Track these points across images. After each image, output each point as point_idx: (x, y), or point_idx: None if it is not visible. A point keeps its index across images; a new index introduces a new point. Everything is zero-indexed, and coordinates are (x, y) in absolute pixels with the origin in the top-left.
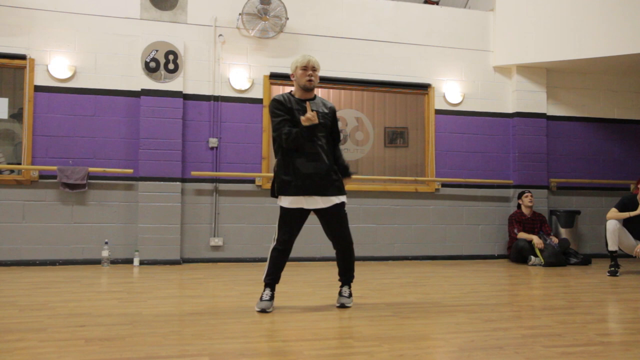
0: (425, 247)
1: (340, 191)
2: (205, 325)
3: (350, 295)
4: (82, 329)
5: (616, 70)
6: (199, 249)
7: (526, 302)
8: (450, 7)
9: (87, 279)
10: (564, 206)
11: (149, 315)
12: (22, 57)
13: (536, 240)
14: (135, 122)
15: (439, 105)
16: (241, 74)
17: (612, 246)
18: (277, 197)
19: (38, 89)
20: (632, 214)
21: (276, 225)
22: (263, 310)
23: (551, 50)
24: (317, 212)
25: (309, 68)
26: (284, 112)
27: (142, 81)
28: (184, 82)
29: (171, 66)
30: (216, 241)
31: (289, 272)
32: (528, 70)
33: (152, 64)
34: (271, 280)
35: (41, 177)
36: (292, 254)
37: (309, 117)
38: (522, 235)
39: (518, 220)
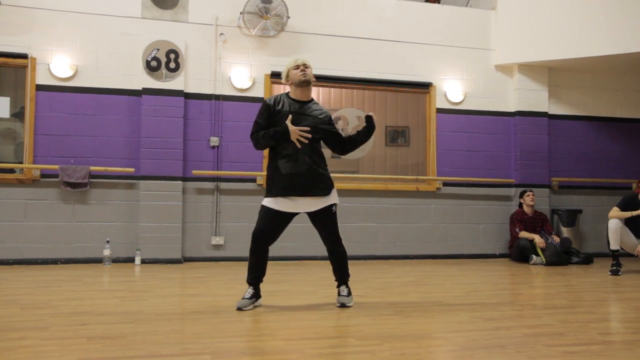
0: (426, 246)
1: (324, 191)
2: (206, 323)
3: (349, 293)
4: (84, 327)
5: (618, 68)
6: (200, 248)
7: (528, 301)
8: (451, 6)
9: (89, 277)
10: (565, 205)
11: (151, 314)
12: (24, 56)
13: (538, 239)
14: (137, 121)
15: (440, 104)
16: (242, 72)
17: (614, 245)
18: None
19: (39, 88)
20: (635, 213)
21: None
22: (238, 308)
23: (553, 49)
24: (308, 212)
25: (300, 66)
26: (265, 117)
27: (143, 80)
28: (185, 81)
29: (172, 65)
30: (217, 240)
31: (290, 270)
32: (530, 69)
33: (154, 63)
34: (251, 280)
35: (43, 176)
36: (293, 253)
37: (296, 133)
38: (523, 234)
39: (519, 219)
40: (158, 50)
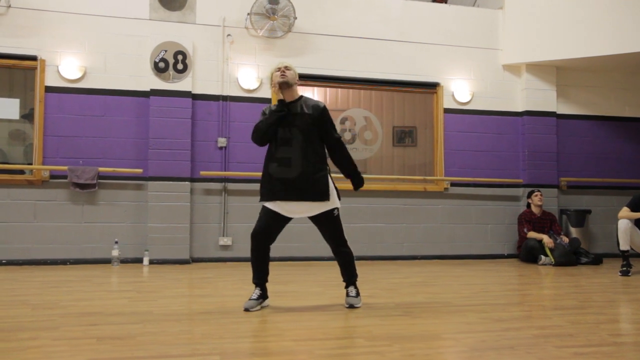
0: (434, 246)
1: (321, 196)
2: (215, 324)
3: (357, 294)
4: (93, 327)
5: (627, 67)
6: (208, 249)
7: (537, 302)
8: (458, 6)
9: (98, 278)
10: (574, 205)
11: (160, 315)
12: (33, 58)
13: (546, 239)
14: (145, 122)
15: (448, 104)
16: (250, 73)
17: (624, 246)
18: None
19: (49, 89)
20: None
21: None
22: (245, 309)
23: (561, 48)
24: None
25: (280, 69)
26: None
27: (151, 81)
28: (193, 82)
29: (180, 66)
30: (225, 240)
31: (298, 271)
32: (537, 69)
33: (161, 64)
34: (257, 280)
35: (52, 177)
36: (301, 253)
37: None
38: (532, 234)
39: (528, 220)
40: (166, 51)
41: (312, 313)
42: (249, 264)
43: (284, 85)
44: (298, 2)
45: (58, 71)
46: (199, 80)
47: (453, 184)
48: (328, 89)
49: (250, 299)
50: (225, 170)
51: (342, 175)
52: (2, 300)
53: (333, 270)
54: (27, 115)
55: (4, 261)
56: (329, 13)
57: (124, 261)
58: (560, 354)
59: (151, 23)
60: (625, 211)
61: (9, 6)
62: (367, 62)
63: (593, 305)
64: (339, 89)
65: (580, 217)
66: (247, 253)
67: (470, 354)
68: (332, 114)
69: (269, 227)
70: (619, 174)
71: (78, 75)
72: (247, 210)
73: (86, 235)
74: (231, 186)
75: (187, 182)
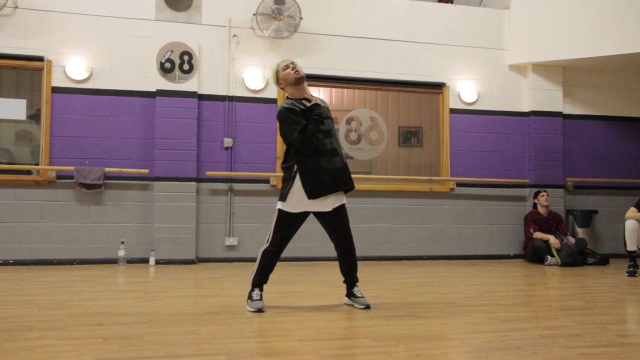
0: (440, 246)
1: (353, 184)
2: (221, 324)
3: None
4: (100, 327)
5: (633, 67)
6: (214, 249)
7: (543, 302)
8: (464, 6)
9: (104, 278)
10: (580, 206)
11: (166, 315)
12: (40, 59)
13: (553, 240)
14: (151, 123)
15: (454, 104)
16: (255, 74)
17: (631, 246)
18: (284, 201)
19: (55, 90)
20: None
21: (272, 226)
22: (259, 310)
23: (567, 48)
24: (322, 212)
25: (289, 65)
26: (298, 115)
27: (157, 82)
28: (199, 83)
29: (186, 67)
30: (231, 241)
31: (303, 271)
32: (544, 69)
33: (167, 65)
34: (259, 281)
35: (58, 177)
36: (307, 254)
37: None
38: (538, 235)
39: (534, 220)
40: (172, 52)
41: (318, 313)
42: (254, 264)
43: (301, 80)
44: (304, 3)
45: (64, 72)
46: (205, 80)
47: (459, 184)
48: (334, 89)
49: (255, 300)
50: (231, 171)
51: (352, 175)
52: (10, 300)
53: (338, 271)
54: (34, 116)
55: (11, 261)
56: (334, 13)
57: (130, 261)
58: (567, 354)
59: (157, 24)
60: (632, 211)
61: (16, 7)
62: (373, 62)
63: (600, 305)
64: (345, 89)
65: (587, 218)
66: (253, 253)
67: (477, 354)
68: (337, 114)
69: (292, 235)
70: (625, 174)
71: (84, 75)
72: (253, 211)
73: (92, 235)
74: (237, 186)
75: (193, 183)
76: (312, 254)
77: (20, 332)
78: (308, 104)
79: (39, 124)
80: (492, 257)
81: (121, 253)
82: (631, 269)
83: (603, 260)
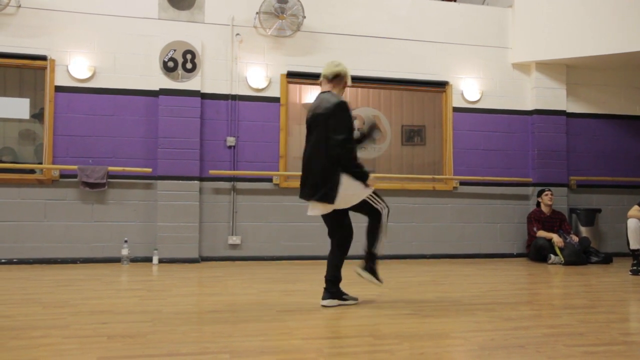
0: (443, 245)
1: None
2: (225, 323)
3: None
4: (104, 326)
5: (637, 66)
6: (217, 248)
7: (546, 300)
8: (468, 4)
9: (108, 276)
10: (584, 204)
11: (169, 313)
12: (43, 58)
13: (556, 238)
14: (154, 122)
15: (457, 102)
16: (258, 72)
17: (634, 244)
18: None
19: (58, 89)
20: None
21: (374, 198)
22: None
23: (571, 47)
24: None
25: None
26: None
27: (160, 81)
28: (202, 81)
29: (189, 65)
30: (234, 239)
31: (307, 270)
32: (547, 67)
33: (170, 64)
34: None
35: (62, 176)
36: (310, 252)
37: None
38: (541, 233)
39: (537, 219)
40: (175, 50)
41: (322, 311)
42: (258, 262)
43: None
44: (307, 1)
45: (68, 71)
46: (208, 79)
47: (462, 183)
48: None
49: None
50: (234, 170)
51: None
52: (14, 298)
53: (343, 269)
54: (37, 115)
55: (15, 260)
56: (337, 12)
57: (133, 260)
58: (570, 352)
59: (160, 22)
60: (635, 210)
61: (19, 6)
62: (376, 60)
63: (603, 304)
64: (348, 88)
65: (590, 216)
66: (256, 252)
67: (480, 353)
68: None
69: None
70: (629, 172)
71: (87, 74)
72: (256, 210)
73: (96, 234)
74: (240, 185)
75: (196, 181)
76: (315, 253)
77: (25, 331)
78: None
79: (42, 123)
80: (495, 256)
81: (124, 252)
82: (635, 267)
83: (606, 259)
